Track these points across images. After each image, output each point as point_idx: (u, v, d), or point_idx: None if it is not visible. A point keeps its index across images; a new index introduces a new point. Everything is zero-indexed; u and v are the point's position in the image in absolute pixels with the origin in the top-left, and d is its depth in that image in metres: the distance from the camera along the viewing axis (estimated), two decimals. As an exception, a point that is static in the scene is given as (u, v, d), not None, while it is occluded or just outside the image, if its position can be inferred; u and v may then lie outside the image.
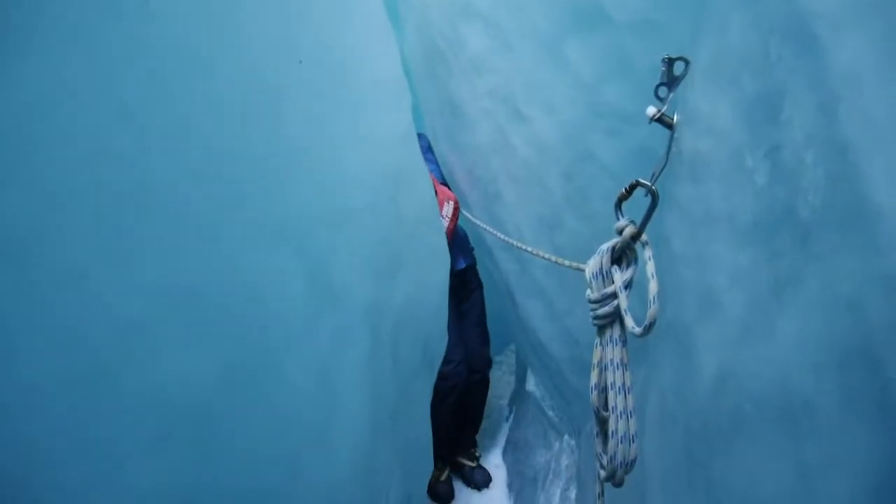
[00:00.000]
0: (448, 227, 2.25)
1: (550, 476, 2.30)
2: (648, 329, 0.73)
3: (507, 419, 3.18)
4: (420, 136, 2.44)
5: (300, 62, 0.92)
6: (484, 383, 2.76)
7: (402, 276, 1.27)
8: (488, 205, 2.10)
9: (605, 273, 0.85)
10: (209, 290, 0.75)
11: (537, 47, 1.53)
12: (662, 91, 0.88)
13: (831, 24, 0.54)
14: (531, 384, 2.60)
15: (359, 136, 1.11)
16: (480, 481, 2.77)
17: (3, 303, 0.54)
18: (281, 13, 0.90)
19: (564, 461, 2.21)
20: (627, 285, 0.83)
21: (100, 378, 0.62)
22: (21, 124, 0.55)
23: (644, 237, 0.82)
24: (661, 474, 1.04)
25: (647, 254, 0.79)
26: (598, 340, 0.87)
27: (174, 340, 0.70)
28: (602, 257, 0.85)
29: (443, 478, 2.73)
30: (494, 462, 2.93)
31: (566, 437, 2.25)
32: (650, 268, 0.76)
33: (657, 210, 0.82)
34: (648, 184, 0.82)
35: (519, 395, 2.99)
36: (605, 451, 0.86)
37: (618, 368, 0.84)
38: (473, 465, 2.82)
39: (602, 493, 0.95)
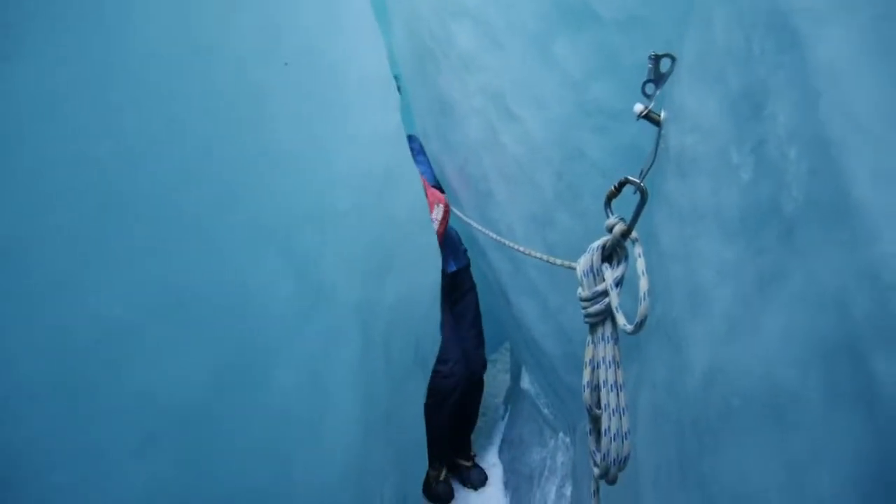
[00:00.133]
0: (438, 231, 2.24)
1: (546, 473, 2.31)
2: (640, 326, 0.73)
3: (502, 417, 3.18)
4: (411, 137, 2.44)
5: (286, 64, 0.91)
6: (479, 385, 2.76)
7: (392, 277, 1.26)
8: (480, 203, 2.10)
9: (595, 271, 0.85)
10: (198, 291, 0.74)
11: (526, 45, 1.53)
12: (649, 88, 0.87)
13: (811, 19, 0.54)
14: (526, 382, 2.60)
15: (346, 137, 1.11)
16: (477, 481, 2.78)
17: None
18: (267, 13, 0.90)
19: (560, 458, 2.22)
20: (618, 283, 0.83)
21: (89, 380, 0.62)
22: (7, 127, 0.55)
23: (634, 234, 0.82)
24: (654, 470, 1.04)
25: (637, 251, 0.79)
26: (589, 338, 0.87)
27: (163, 342, 0.69)
28: (593, 255, 0.85)
29: (441, 478, 2.73)
30: (490, 461, 2.94)
31: (561, 434, 2.25)
32: (640, 264, 0.76)
33: (646, 207, 0.82)
34: (637, 181, 0.82)
35: (514, 393, 2.99)
36: (598, 448, 0.86)
37: (610, 366, 0.84)
38: (469, 464, 2.82)
39: (597, 491, 0.95)
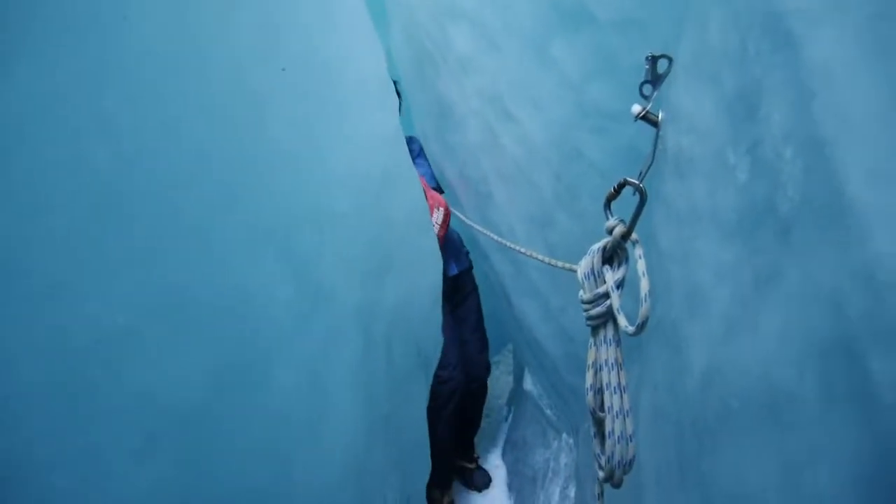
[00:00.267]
0: (438, 234, 2.21)
1: (549, 475, 2.30)
2: (641, 328, 0.73)
3: (505, 419, 3.18)
4: (411, 139, 2.42)
5: (283, 69, 0.92)
6: (482, 390, 2.74)
7: (392, 278, 1.27)
8: (480, 205, 2.11)
9: (596, 273, 0.85)
10: (197, 293, 0.75)
11: (523, 46, 1.53)
12: (647, 89, 0.88)
13: (805, 20, 0.54)
14: (529, 383, 2.60)
15: (344, 138, 1.11)
16: (480, 483, 2.77)
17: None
18: (264, 16, 0.91)
19: (563, 459, 2.22)
20: (619, 285, 0.83)
21: (88, 382, 0.62)
22: (4, 129, 0.55)
23: (634, 236, 0.82)
24: (656, 471, 1.04)
25: (637, 252, 0.79)
26: (591, 341, 0.86)
27: (163, 343, 0.70)
28: (593, 257, 0.85)
29: (445, 501, 2.64)
30: (494, 463, 2.93)
31: (564, 435, 2.25)
32: (641, 266, 0.76)
33: (645, 208, 0.82)
34: (636, 182, 0.82)
35: (517, 394, 2.99)
36: (602, 451, 0.85)
37: (612, 368, 0.83)
38: (473, 466, 2.81)
39: (601, 494, 0.94)
